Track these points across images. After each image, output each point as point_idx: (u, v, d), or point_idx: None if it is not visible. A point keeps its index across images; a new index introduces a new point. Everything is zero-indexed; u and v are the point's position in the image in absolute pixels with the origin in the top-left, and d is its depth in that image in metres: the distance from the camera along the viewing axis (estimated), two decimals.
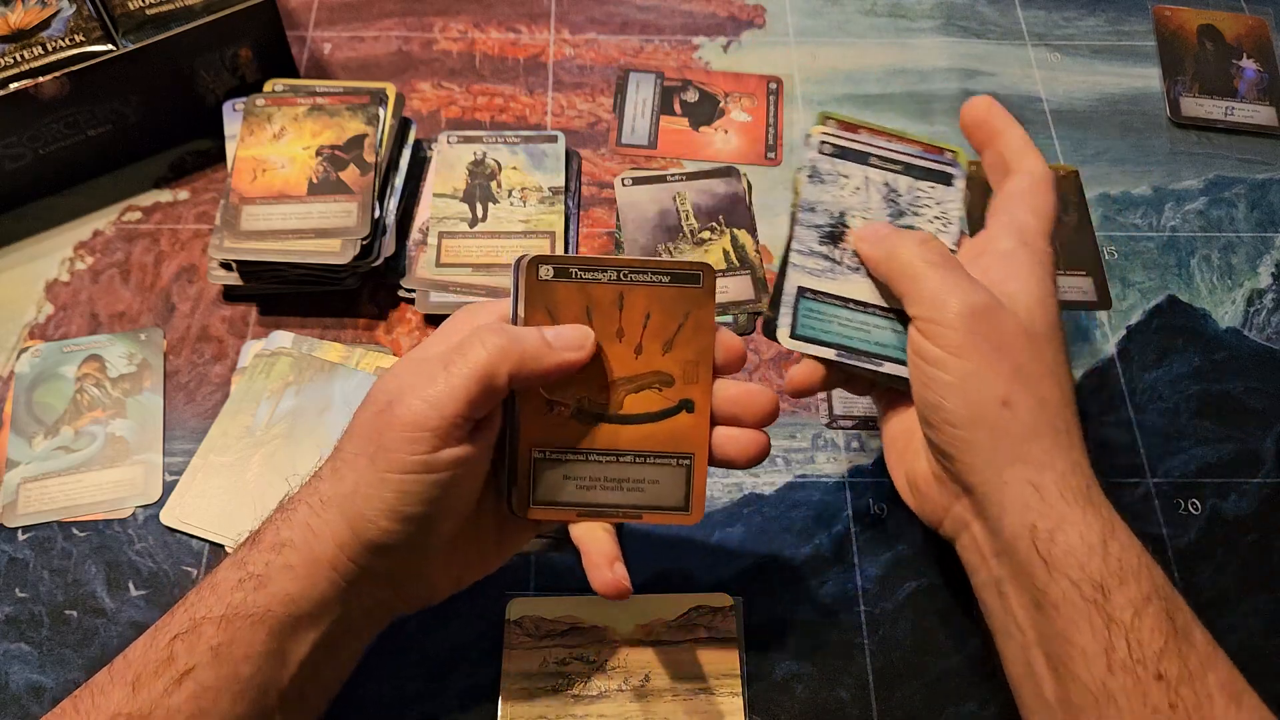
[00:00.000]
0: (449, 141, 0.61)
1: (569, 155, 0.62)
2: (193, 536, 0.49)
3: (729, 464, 0.42)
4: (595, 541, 0.40)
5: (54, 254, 0.58)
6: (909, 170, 0.46)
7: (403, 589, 0.41)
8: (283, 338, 0.55)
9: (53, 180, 0.59)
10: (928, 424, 0.42)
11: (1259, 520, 0.51)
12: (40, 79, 0.54)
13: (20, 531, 0.49)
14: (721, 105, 0.66)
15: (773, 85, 0.67)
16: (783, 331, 0.44)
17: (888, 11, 0.71)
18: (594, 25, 0.69)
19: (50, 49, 0.55)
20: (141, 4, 0.57)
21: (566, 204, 0.60)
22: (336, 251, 0.53)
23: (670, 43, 0.69)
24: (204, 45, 0.58)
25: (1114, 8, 0.72)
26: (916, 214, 0.46)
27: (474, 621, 0.47)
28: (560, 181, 0.60)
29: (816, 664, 0.47)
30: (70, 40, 0.55)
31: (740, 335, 0.56)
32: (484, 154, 0.61)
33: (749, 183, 0.62)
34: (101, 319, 0.56)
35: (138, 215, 0.60)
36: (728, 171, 0.62)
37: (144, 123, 0.59)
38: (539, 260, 0.39)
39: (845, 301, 0.44)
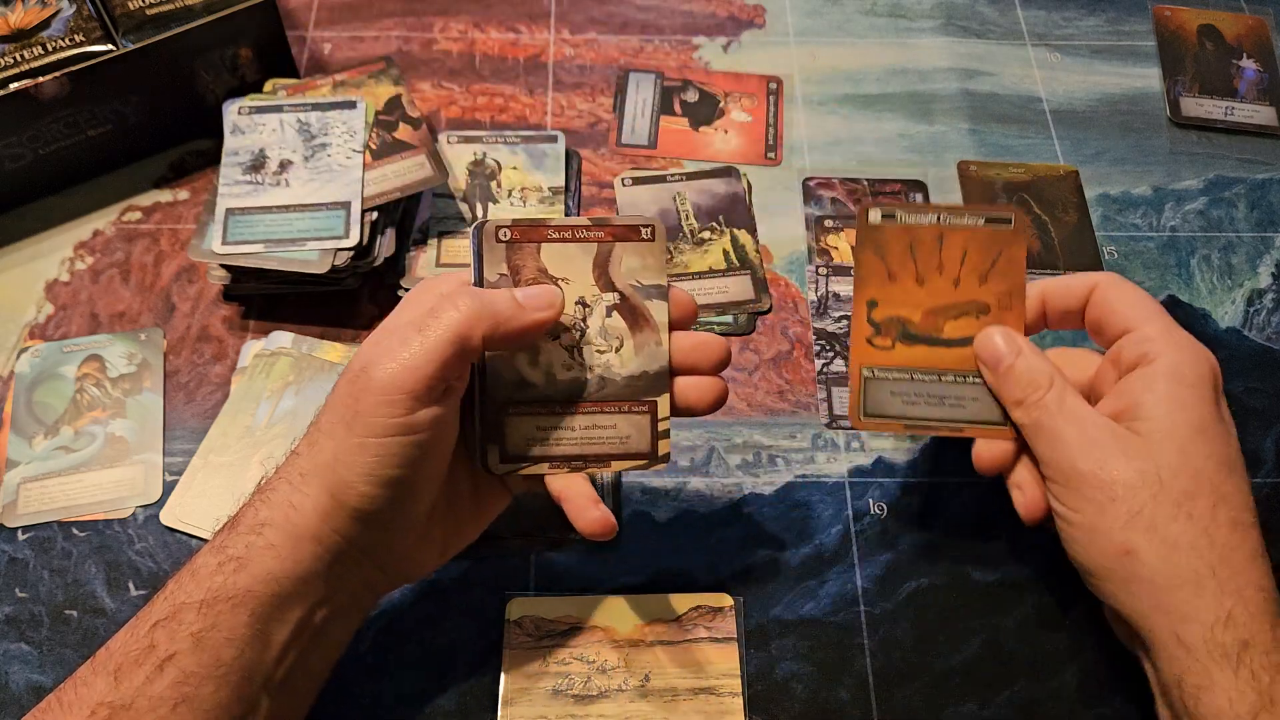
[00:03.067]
0: (449, 141, 0.61)
1: (569, 155, 0.62)
2: (192, 536, 0.49)
3: (690, 410, 0.42)
4: (575, 488, 0.41)
5: (54, 254, 0.58)
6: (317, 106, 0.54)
7: (387, 565, 0.41)
8: (282, 338, 0.55)
9: (53, 180, 0.59)
10: (1076, 567, 0.42)
11: (1259, 520, 0.51)
12: (40, 79, 0.54)
13: (20, 531, 0.49)
14: (721, 105, 0.66)
15: (773, 85, 0.67)
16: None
17: (888, 11, 0.71)
18: (594, 25, 0.69)
19: (50, 49, 0.55)
20: (141, 4, 0.57)
21: (566, 204, 0.60)
22: (315, 261, 0.53)
23: (670, 43, 0.69)
24: (204, 45, 0.58)
25: (1114, 8, 0.72)
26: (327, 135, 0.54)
27: (474, 621, 0.47)
28: (560, 181, 0.60)
29: (816, 664, 0.47)
30: (70, 40, 0.55)
31: (740, 335, 0.56)
32: (484, 154, 0.61)
33: (749, 183, 0.62)
34: (101, 319, 0.56)
35: (138, 215, 0.60)
36: (728, 171, 0.62)
37: (144, 123, 0.60)
38: (869, 206, 0.45)
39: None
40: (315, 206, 0.55)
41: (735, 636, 0.47)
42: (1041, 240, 0.60)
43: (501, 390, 0.41)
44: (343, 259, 0.53)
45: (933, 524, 0.51)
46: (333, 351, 0.54)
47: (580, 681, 0.45)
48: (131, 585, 0.48)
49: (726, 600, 0.48)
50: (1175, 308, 0.58)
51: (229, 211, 0.54)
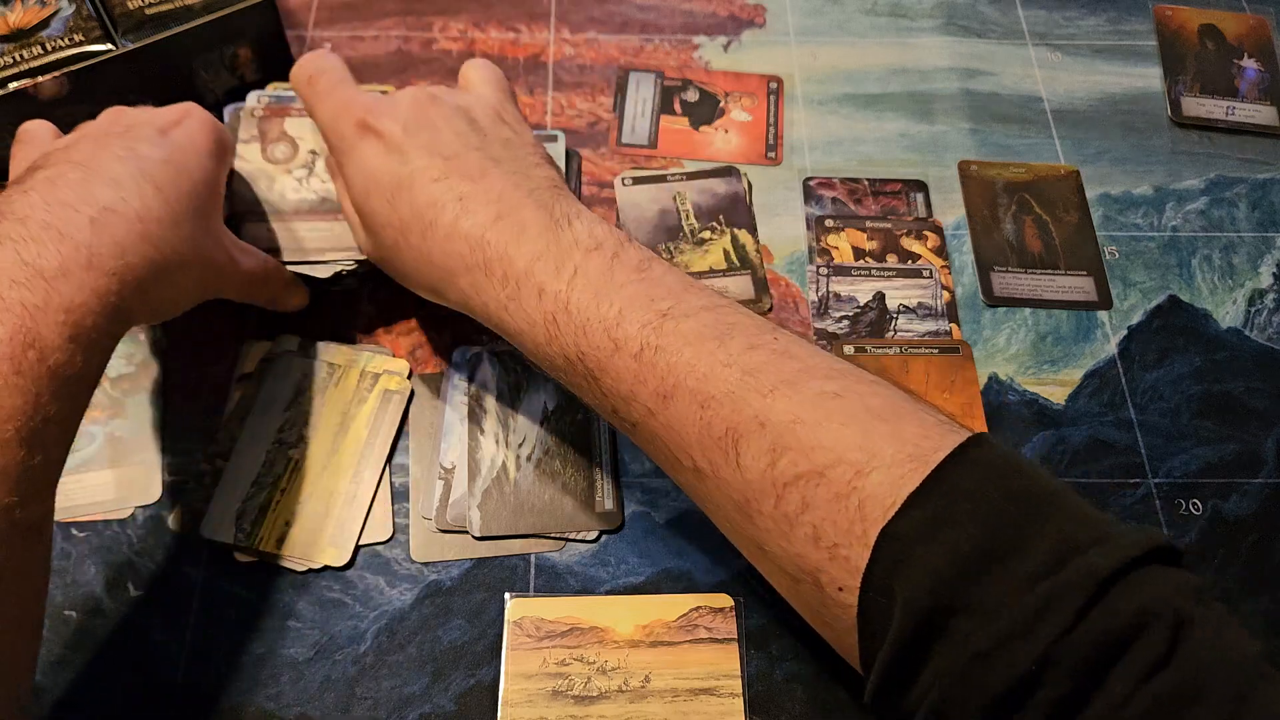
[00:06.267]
0: None
1: (569, 155, 0.62)
2: (203, 539, 0.49)
3: None
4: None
5: None
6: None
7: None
8: (288, 341, 0.54)
9: None
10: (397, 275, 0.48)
11: (1260, 521, 0.51)
12: (39, 79, 0.54)
13: None
14: (722, 105, 0.66)
15: (773, 85, 0.67)
16: None
17: (888, 11, 0.71)
18: (594, 24, 0.69)
19: (49, 48, 0.55)
20: (141, 4, 0.57)
21: None
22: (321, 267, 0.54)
23: (670, 42, 0.69)
24: (203, 45, 0.58)
25: (1115, 7, 0.72)
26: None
27: (474, 621, 0.47)
28: None
29: (816, 664, 0.47)
30: (69, 40, 0.55)
31: None
32: None
33: (749, 182, 0.62)
34: None
35: None
36: (728, 171, 0.62)
37: None
38: (843, 343, 0.55)
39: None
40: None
41: (735, 637, 0.47)
42: (1043, 240, 0.60)
43: (242, 204, 0.54)
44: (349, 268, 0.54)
45: None
46: (340, 354, 0.54)
47: (580, 682, 0.45)
48: (131, 586, 0.48)
49: (726, 601, 0.48)
50: (1176, 308, 0.58)
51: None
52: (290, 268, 0.53)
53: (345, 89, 0.49)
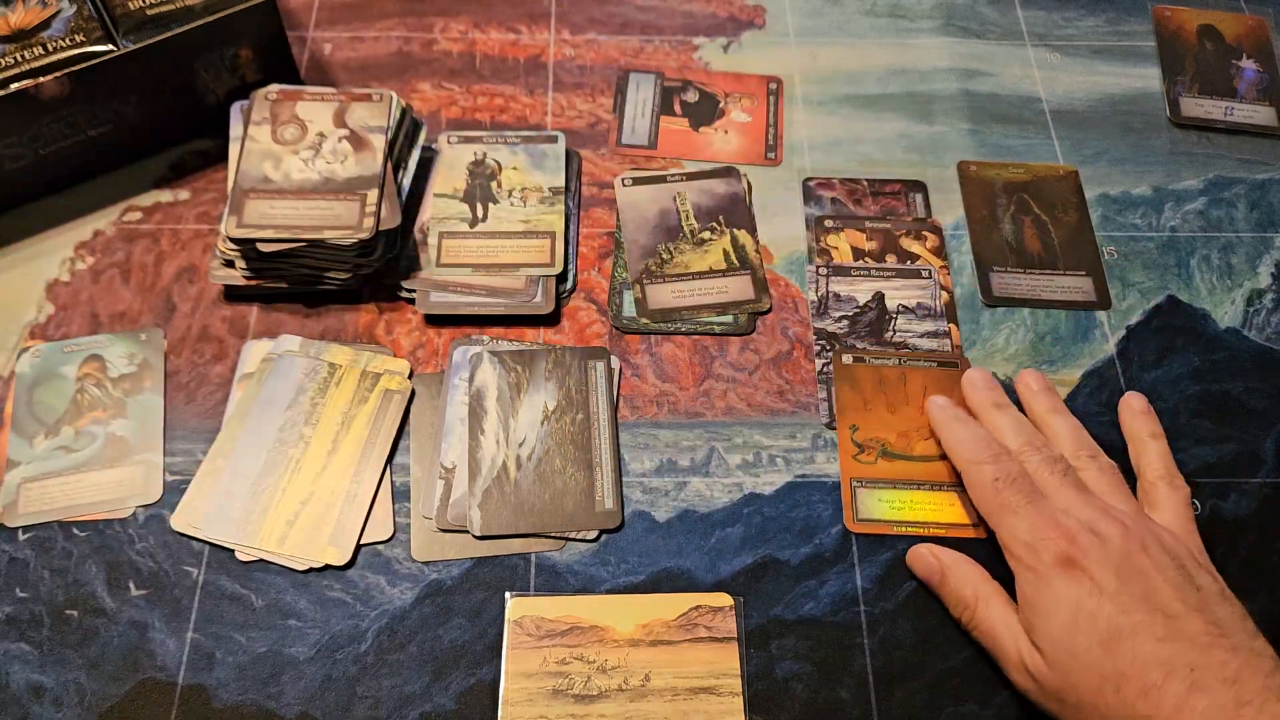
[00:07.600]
0: (449, 141, 0.61)
1: (569, 155, 0.62)
2: (194, 539, 0.49)
3: None
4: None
5: (54, 254, 0.58)
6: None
7: None
8: (289, 341, 0.55)
9: (53, 180, 0.59)
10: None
11: (1259, 520, 0.51)
12: (41, 79, 0.54)
13: (21, 531, 0.49)
14: (721, 105, 0.66)
15: (773, 85, 0.67)
16: None
17: (888, 11, 0.71)
18: (594, 25, 0.69)
19: (51, 49, 0.55)
20: (141, 4, 0.57)
21: (567, 204, 0.60)
22: (353, 226, 0.54)
23: (670, 43, 0.69)
24: (204, 45, 0.58)
25: (1114, 8, 0.72)
26: None
27: (474, 621, 0.47)
28: (560, 182, 0.60)
29: (816, 664, 0.47)
30: (70, 40, 0.55)
31: (740, 335, 0.56)
32: (484, 154, 0.61)
33: (749, 183, 0.62)
34: (102, 319, 0.56)
35: (138, 215, 0.60)
36: (728, 171, 0.62)
37: (144, 123, 0.59)
38: (841, 351, 0.55)
39: None
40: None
41: (735, 636, 0.47)
42: (1042, 240, 0.60)
43: (248, 182, 0.55)
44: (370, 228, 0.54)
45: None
46: (341, 354, 0.54)
47: (580, 681, 0.45)
48: (132, 585, 0.48)
49: (726, 600, 0.48)
50: (1175, 308, 0.58)
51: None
52: (287, 244, 0.53)
53: (1044, 505, 0.46)
